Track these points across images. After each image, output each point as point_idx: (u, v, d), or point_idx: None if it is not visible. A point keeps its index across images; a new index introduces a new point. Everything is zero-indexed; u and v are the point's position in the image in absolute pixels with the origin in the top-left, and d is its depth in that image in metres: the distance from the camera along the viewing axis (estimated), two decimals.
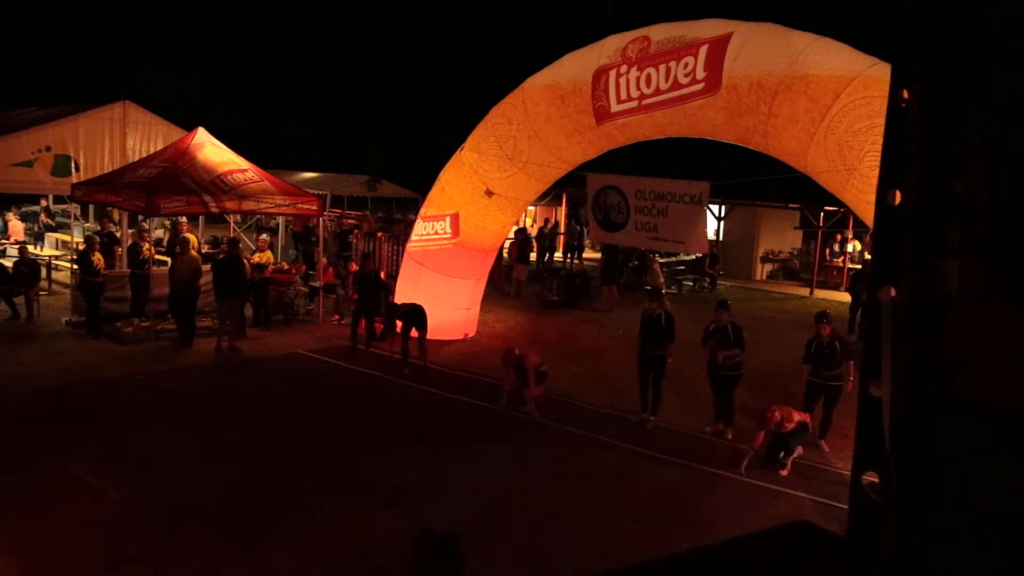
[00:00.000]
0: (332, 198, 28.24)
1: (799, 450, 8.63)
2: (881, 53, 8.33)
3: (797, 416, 8.39)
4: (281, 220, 21.78)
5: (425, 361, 11.79)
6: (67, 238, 19.00)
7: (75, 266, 13.75)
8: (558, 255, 24.41)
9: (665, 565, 1.73)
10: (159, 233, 17.66)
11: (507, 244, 19.67)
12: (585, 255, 25.02)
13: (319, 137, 41.96)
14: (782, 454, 8.32)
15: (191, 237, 15.16)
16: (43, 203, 23.26)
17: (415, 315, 11.83)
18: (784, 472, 8.20)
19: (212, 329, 13.41)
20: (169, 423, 9.11)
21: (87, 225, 20.49)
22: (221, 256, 13.74)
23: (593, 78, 10.82)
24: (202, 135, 14.10)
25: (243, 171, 13.76)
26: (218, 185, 13.22)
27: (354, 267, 15.49)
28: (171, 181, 12.89)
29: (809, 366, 9.16)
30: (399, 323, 12.11)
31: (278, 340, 13.32)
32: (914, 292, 1.71)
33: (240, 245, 14.00)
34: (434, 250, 13.31)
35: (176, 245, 12.90)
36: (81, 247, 14.15)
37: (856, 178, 8.45)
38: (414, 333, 11.77)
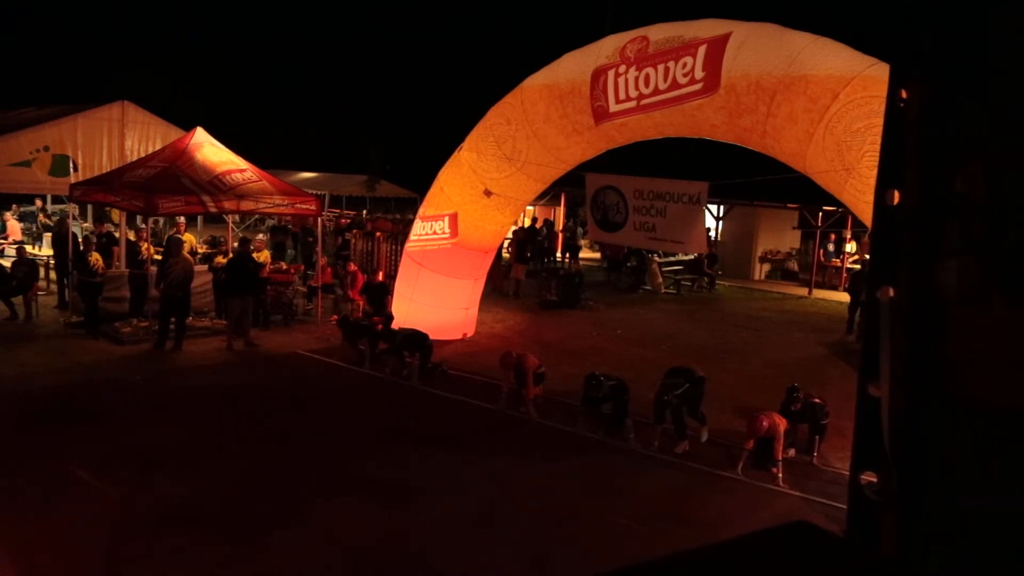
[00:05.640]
0: (331, 198, 28.24)
1: (791, 452, 8.64)
2: (880, 53, 8.34)
3: (783, 422, 8.38)
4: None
5: (426, 376, 11.26)
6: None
7: (73, 269, 13.75)
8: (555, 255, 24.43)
9: (665, 565, 1.73)
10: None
11: (506, 244, 19.68)
12: (582, 255, 25.04)
13: (318, 137, 41.99)
14: (770, 459, 8.27)
15: (187, 238, 15.14)
16: (38, 203, 23.24)
17: (413, 341, 11.43)
18: (777, 472, 8.15)
19: (210, 329, 13.42)
20: (169, 423, 9.10)
21: (85, 225, 20.48)
22: (231, 256, 13.75)
23: (592, 78, 10.82)
24: (200, 135, 14.09)
25: (241, 171, 13.76)
26: (216, 185, 13.21)
27: (353, 267, 15.49)
28: (170, 181, 12.88)
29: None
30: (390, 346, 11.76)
31: (277, 340, 13.31)
32: (913, 292, 1.71)
33: (250, 244, 14.00)
34: (433, 250, 13.30)
35: (170, 246, 12.76)
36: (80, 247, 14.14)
37: (855, 178, 8.46)
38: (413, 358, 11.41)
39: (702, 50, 9.56)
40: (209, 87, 40.93)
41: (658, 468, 8.42)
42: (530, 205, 24.59)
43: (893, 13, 1.78)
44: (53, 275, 17.19)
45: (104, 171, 15.99)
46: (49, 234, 21.17)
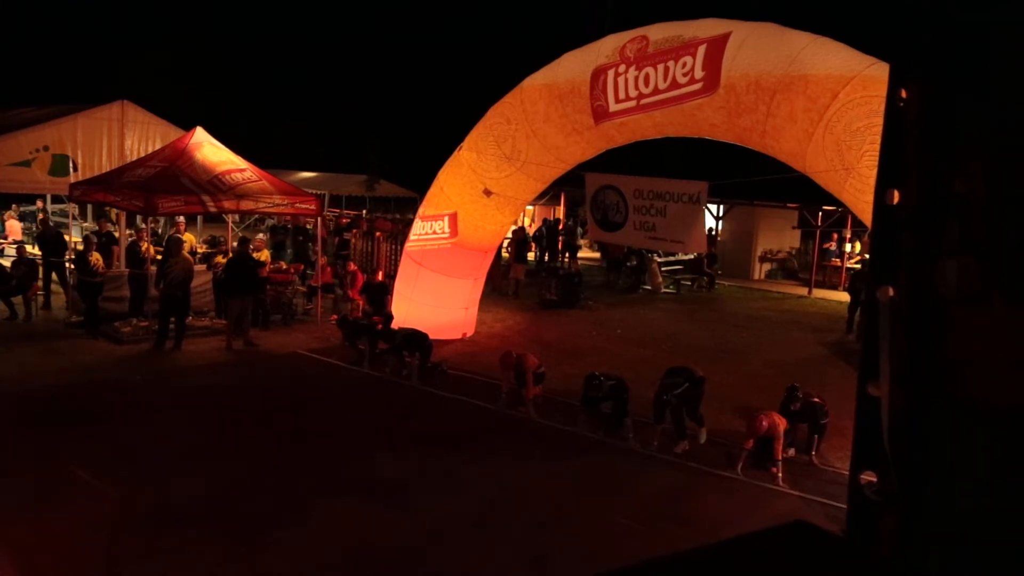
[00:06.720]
0: (331, 198, 28.24)
1: (791, 451, 8.64)
2: (879, 52, 8.33)
3: (783, 422, 8.38)
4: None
5: (425, 376, 11.27)
6: (65, 238, 18.97)
7: (72, 266, 13.74)
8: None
9: (664, 565, 1.73)
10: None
11: (505, 244, 19.68)
12: (581, 254, 25.05)
13: (318, 137, 41.97)
14: (770, 459, 8.26)
15: (187, 237, 15.14)
16: (38, 203, 23.25)
17: (412, 341, 11.44)
18: (776, 471, 8.14)
19: (210, 328, 13.42)
20: (168, 423, 9.11)
21: (85, 225, 20.48)
22: (230, 256, 13.75)
23: (591, 77, 10.82)
24: (200, 135, 14.09)
25: (241, 171, 13.76)
26: (216, 185, 13.21)
27: (352, 266, 15.50)
28: (169, 181, 12.88)
29: None
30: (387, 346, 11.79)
31: (277, 340, 13.31)
32: (913, 292, 1.71)
33: (250, 244, 14.00)
34: (432, 250, 13.30)
35: (170, 246, 12.75)
36: (79, 247, 14.14)
37: (854, 178, 8.46)
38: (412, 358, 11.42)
39: (702, 50, 9.56)
40: (209, 87, 40.89)
41: (658, 468, 8.42)
42: (530, 205, 24.63)
43: (893, 13, 1.78)
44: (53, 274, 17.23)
45: (104, 171, 16.00)
46: None
